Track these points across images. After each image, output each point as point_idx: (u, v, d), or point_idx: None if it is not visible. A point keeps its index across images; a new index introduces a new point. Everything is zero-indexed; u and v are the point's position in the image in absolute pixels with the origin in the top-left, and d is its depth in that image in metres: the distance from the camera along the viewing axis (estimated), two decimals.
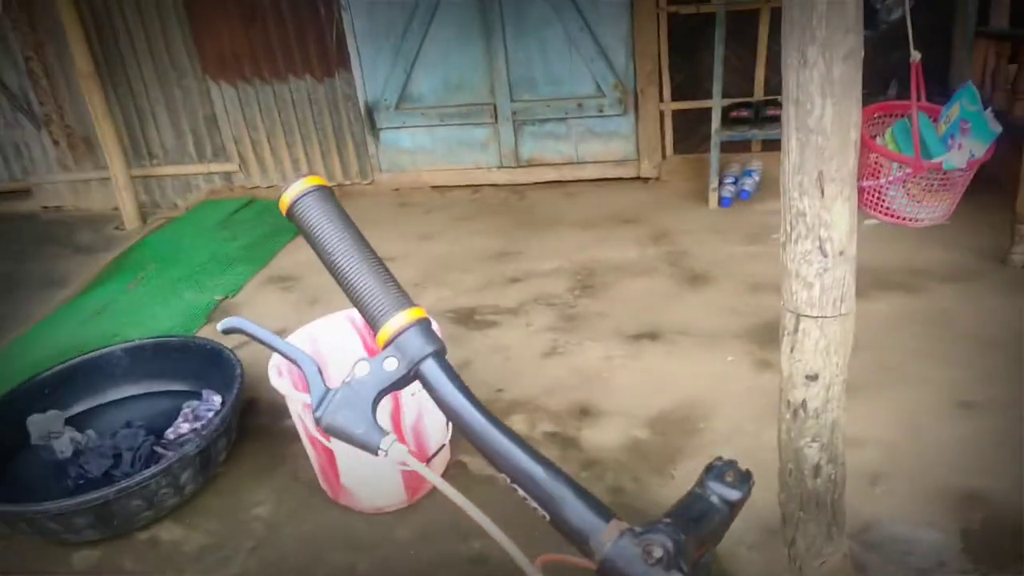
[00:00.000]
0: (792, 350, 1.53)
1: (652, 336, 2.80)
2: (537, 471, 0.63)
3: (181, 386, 2.62)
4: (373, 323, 0.71)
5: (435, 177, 4.56)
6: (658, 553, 0.58)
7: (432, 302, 3.21)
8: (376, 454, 0.66)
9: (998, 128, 1.56)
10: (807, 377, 1.52)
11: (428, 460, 2.07)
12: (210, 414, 2.44)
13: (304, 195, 0.75)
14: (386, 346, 0.70)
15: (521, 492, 0.64)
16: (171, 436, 2.41)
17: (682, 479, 2.09)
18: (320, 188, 0.76)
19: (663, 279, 3.22)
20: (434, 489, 2.15)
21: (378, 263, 0.74)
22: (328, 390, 0.69)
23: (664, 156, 4.27)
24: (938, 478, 1.99)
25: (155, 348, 2.70)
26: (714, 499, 0.70)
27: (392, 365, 0.69)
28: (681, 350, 2.71)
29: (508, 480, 0.65)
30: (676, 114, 4.18)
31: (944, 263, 3.04)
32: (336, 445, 1.96)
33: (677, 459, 2.19)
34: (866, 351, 2.52)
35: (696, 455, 2.19)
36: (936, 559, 1.75)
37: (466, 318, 3.09)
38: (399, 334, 0.69)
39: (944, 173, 1.60)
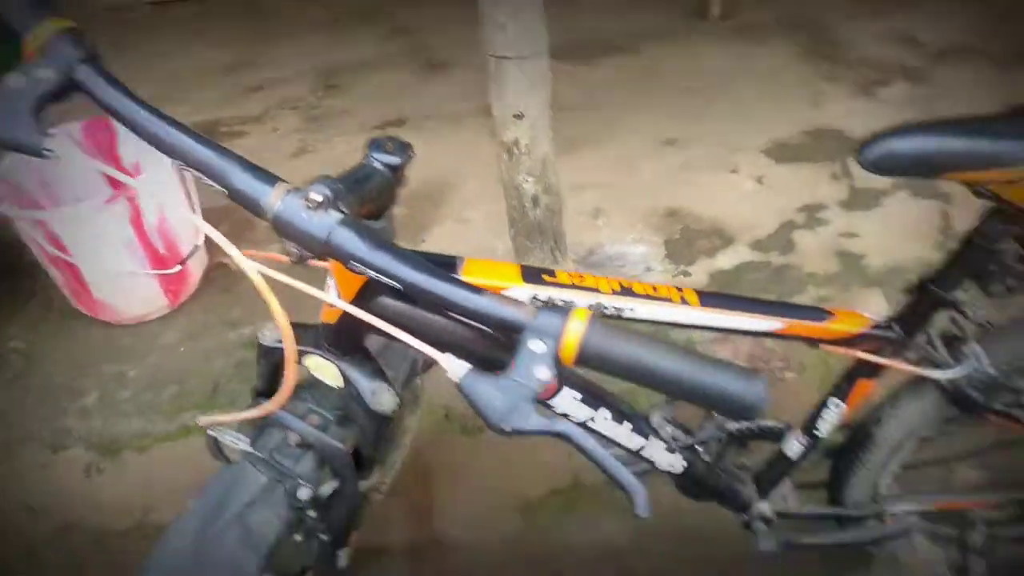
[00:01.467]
0: (498, 94, 1.67)
1: (398, 123, 2.88)
2: (203, 151, 0.70)
3: None
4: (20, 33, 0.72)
5: None
6: (318, 198, 0.68)
7: None
8: (43, 156, 0.69)
9: None
10: (515, 116, 1.68)
11: (183, 262, 2.08)
12: None
13: None
14: (34, 56, 0.71)
15: (195, 173, 0.71)
16: None
17: (431, 243, 2.27)
18: None
19: (404, 72, 3.26)
20: (198, 290, 2.18)
21: None
22: None
23: None
24: (647, 204, 2.30)
25: None
26: (377, 165, 0.82)
27: (45, 73, 0.70)
28: (426, 133, 2.81)
29: (182, 166, 0.72)
30: None
31: (657, 25, 3.31)
32: (79, 259, 1.91)
33: (428, 227, 2.35)
34: (591, 110, 2.78)
35: (444, 221, 2.36)
36: (644, 266, 2.08)
37: (209, 131, 2.98)
38: (46, 42, 0.71)
39: None
